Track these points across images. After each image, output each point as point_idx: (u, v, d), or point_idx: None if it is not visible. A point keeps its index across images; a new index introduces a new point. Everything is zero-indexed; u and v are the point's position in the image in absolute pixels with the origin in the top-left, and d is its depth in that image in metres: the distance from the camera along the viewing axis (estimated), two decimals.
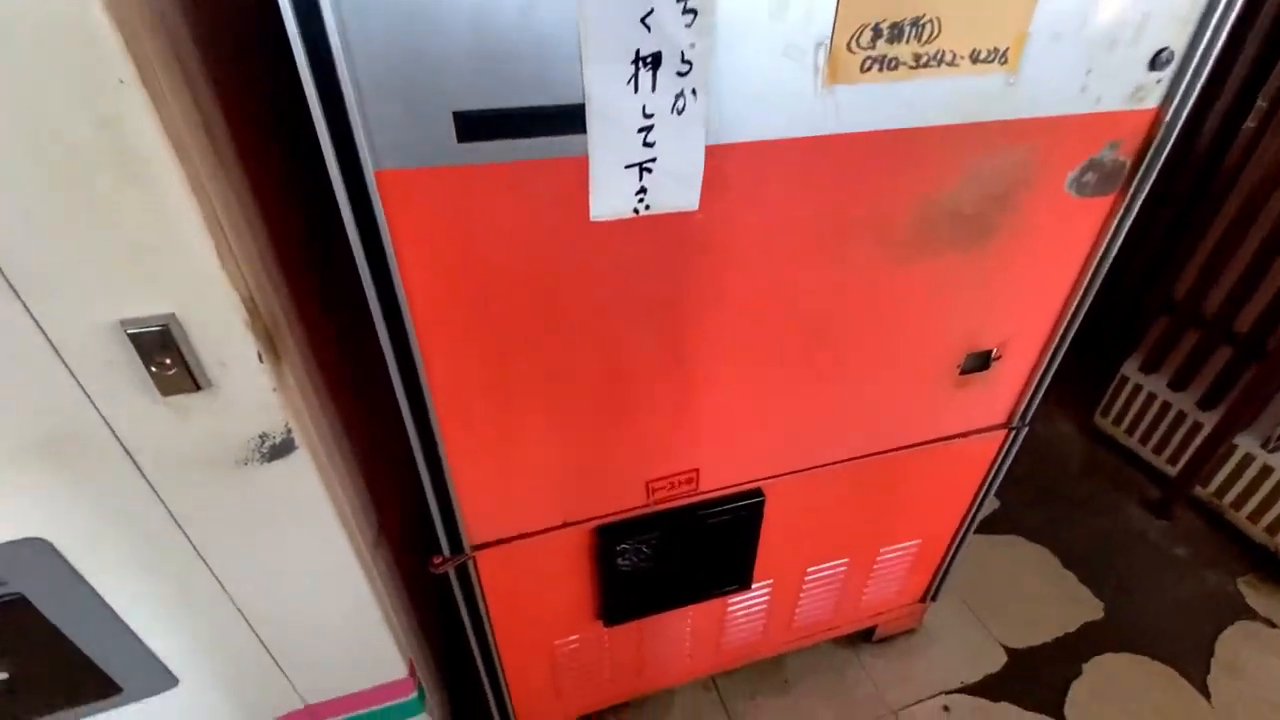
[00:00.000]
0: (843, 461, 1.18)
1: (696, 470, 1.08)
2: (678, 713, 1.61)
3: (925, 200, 0.88)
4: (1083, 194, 0.98)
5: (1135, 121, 0.92)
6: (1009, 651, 1.74)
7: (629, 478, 1.05)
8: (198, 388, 0.69)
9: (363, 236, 0.67)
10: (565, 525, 1.06)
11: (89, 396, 0.67)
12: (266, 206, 0.77)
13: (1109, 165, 0.95)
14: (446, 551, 1.00)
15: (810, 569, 1.40)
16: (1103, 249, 1.05)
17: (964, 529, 1.48)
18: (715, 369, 0.96)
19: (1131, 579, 1.93)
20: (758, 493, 1.15)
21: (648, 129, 0.69)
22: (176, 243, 0.61)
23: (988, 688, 1.66)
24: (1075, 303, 1.11)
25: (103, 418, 0.69)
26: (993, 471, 1.36)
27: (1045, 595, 1.88)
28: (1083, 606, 1.86)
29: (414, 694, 1.19)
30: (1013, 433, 1.29)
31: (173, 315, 0.64)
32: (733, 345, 0.94)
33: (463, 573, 1.04)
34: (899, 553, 1.47)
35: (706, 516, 1.13)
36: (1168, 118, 0.92)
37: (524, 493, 1.00)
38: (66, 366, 0.65)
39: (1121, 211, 1.00)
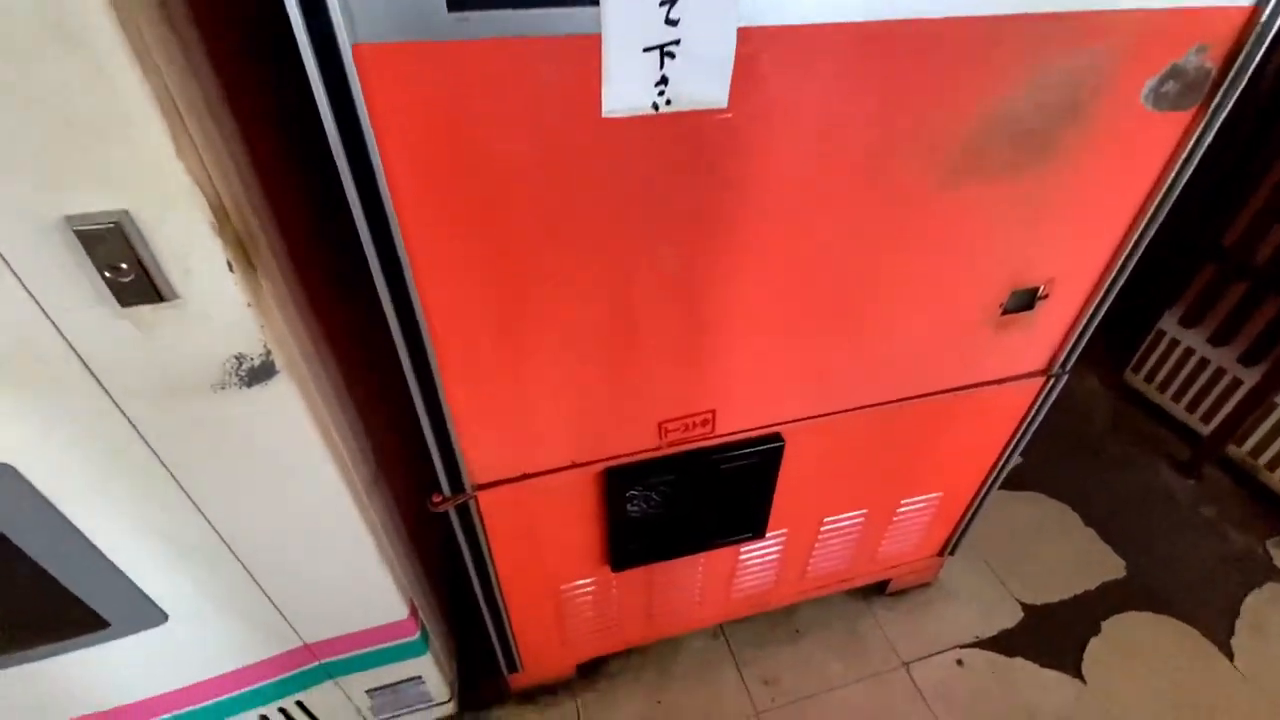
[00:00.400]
0: (869, 406, 1.11)
1: (713, 411, 1.01)
2: (685, 660, 1.58)
3: (985, 106, 0.77)
4: (1159, 107, 0.86)
5: (1228, 20, 0.80)
6: (1026, 608, 1.70)
7: (641, 418, 0.98)
8: (161, 299, 0.61)
9: (340, 125, 0.58)
10: (573, 466, 1.00)
11: (41, 306, 0.60)
12: (236, 91, 0.68)
13: (1193, 73, 0.84)
14: (446, 490, 0.94)
15: (827, 519, 1.34)
16: (1172, 175, 0.94)
17: (989, 483, 1.41)
18: (738, 300, 0.87)
19: (1155, 538, 1.87)
20: (777, 437, 1.08)
21: (670, 3, 0.59)
22: (122, 124, 0.52)
23: (1002, 643, 1.62)
24: (1134, 238, 1.01)
25: (59, 331, 0.62)
26: (1026, 422, 1.28)
27: (1065, 552, 1.83)
28: (1104, 564, 1.80)
29: (416, 635, 1.16)
30: (1051, 380, 1.20)
31: (125, 213, 0.57)
32: (758, 273, 0.85)
33: (464, 513, 0.99)
34: (919, 505, 1.40)
35: (721, 461, 1.06)
36: (1264, 17, 0.80)
37: (529, 431, 0.93)
38: (12, 270, 0.58)
39: (1199, 130, 0.89)
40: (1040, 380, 1.20)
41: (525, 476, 0.98)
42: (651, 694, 1.53)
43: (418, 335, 0.77)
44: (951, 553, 1.62)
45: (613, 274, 0.79)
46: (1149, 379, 2.21)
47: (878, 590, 1.71)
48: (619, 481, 1.03)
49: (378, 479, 1.01)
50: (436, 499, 0.94)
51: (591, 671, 1.55)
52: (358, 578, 1.00)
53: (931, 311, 1.00)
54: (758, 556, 1.35)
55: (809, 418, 1.08)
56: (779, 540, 1.33)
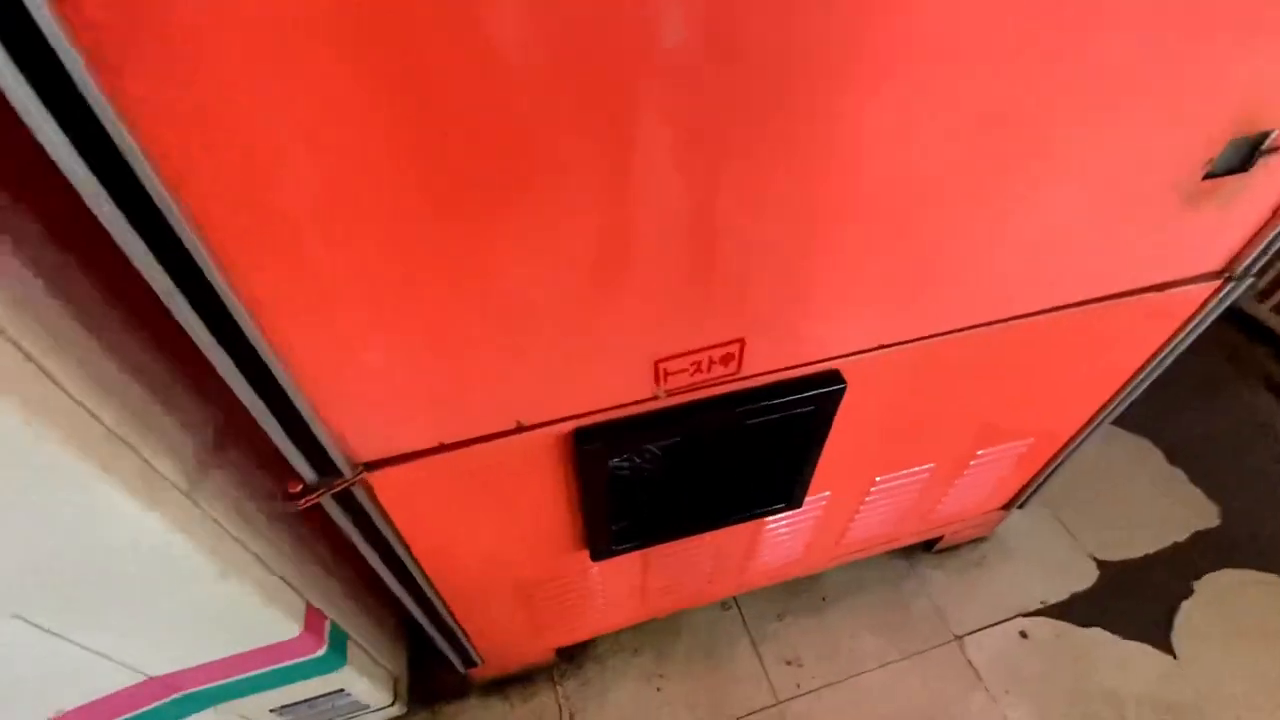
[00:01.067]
0: (968, 329, 0.73)
1: (740, 342, 0.63)
2: (688, 637, 1.30)
3: None
4: None
5: None
6: (1102, 565, 1.40)
7: (627, 354, 0.61)
8: None
9: None
10: (519, 430, 0.64)
11: None
12: None
13: None
14: (308, 476, 0.58)
15: (881, 477, 1.00)
16: None
17: (1094, 424, 1.07)
18: (794, 150, 0.48)
19: (1255, 479, 1.55)
20: (834, 377, 0.71)
21: None
22: None
23: (1075, 609, 1.33)
24: None
25: None
26: (1172, 344, 0.91)
27: (1147, 498, 1.52)
28: (1194, 512, 1.49)
29: (321, 651, 0.84)
30: (1229, 285, 0.82)
31: None
32: (834, 93, 0.45)
33: (348, 502, 0.63)
34: (1001, 454, 1.06)
35: (750, 413, 0.70)
36: None
37: (442, 381, 0.56)
38: None
39: None
40: (1213, 285, 0.82)
41: (444, 448, 0.62)
42: (649, 679, 1.25)
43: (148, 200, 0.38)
44: (1021, 506, 1.30)
45: (585, 90, 0.39)
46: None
47: (923, 546, 1.41)
48: (594, 448, 0.67)
49: (209, 460, 0.64)
50: (293, 488, 0.58)
51: (576, 653, 1.27)
52: (193, 598, 0.66)
53: (1104, 171, 0.60)
54: (787, 527, 1.02)
55: (881, 347, 0.71)
56: (817, 507, 1.00)
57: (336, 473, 0.59)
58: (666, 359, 0.61)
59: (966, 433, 0.97)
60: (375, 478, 0.62)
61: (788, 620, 1.32)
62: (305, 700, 0.94)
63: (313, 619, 0.82)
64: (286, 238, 0.43)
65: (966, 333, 0.73)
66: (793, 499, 0.88)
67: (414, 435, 0.60)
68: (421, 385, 0.56)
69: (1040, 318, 0.74)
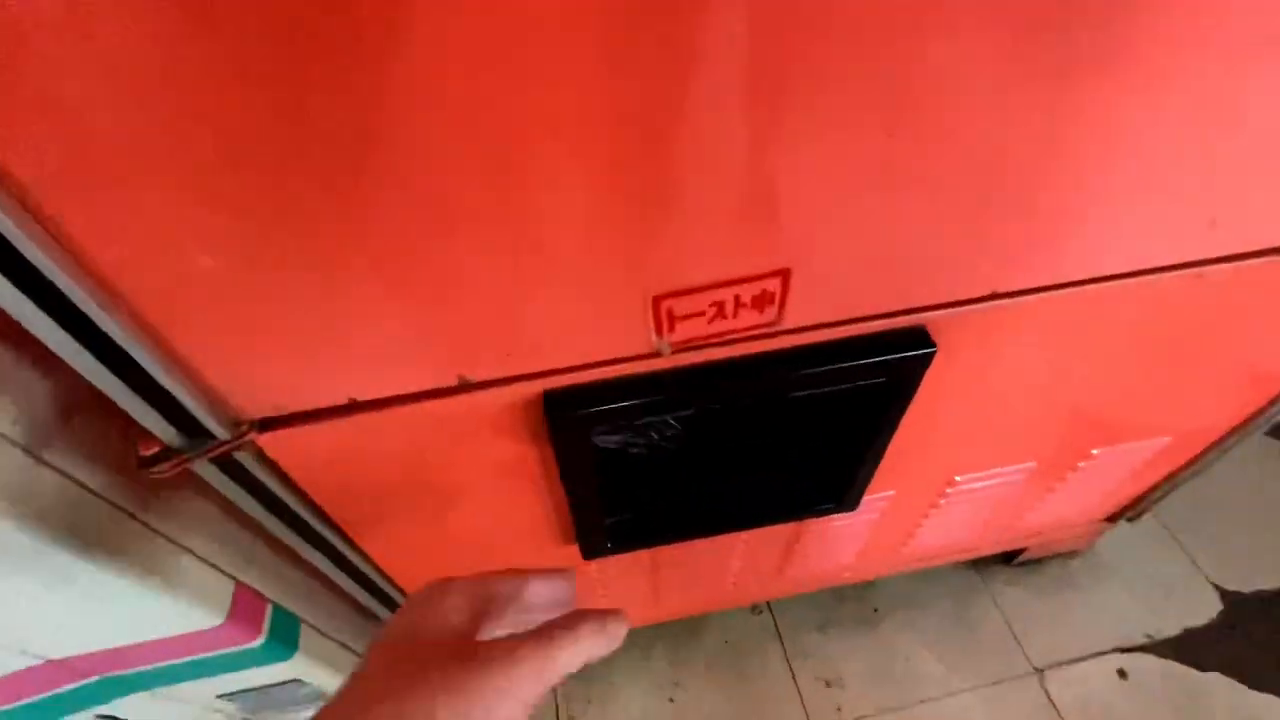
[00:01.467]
0: (1136, 275, 0.51)
1: (781, 275, 0.43)
2: (710, 643, 1.12)
3: None
4: None
5: None
6: (1226, 596, 1.14)
7: (609, 283, 0.41)
8: None
9: None
10: (464, 388, 0.46)
11: None
12: None
13: None
14: (170, 438, 0.42)
15: (961, 477, 0.78)
16: None
17: (1254, 424, 0.81)
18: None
19: None
20: (919, 338, 0.50)
21: None
22: None
23: (1190, 647, 1.09)
24: None
25: None
26: None
27: None
28: None
29: (257, 641, 0.70)
30: None
31: None
32: None
33: (235, 469, 0.47)
34: (1123, 455, 0.83)
35: (795, 381, 0.50)
36: None
37: (337, 309, 0.39)
38: None
39: None
40: None
41: (358, 406, 0.45)
42: (660, 687, 1.08)
43: None
44: (1132, 519, 1.05)
45: None
46: None
47: (1000, 556, 1.18)
48: (569, 417, 0.48)
49: (79, 407, 0.50)
50: (145, 451, 0.42)
51: None
52: (64, 576, 0.52)
53: None
54: (836, 531, 0.82)
55: (994, 297, 0.50)
56: (876, 509, 0.79)
57: (207, 436, 0.43)
58: (671, 295, 0.42)
59: (1085, 424, 0.74)
60: (268, 440, 0.45)
61: (830, 632, 1.13)
62: (255, 688, 0.82)
63: (245, 604, 0.68)
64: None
65: (1126, 281, 0.51)
66: (846, 500, 0.68)
67: (314, 388, 0.43)
68: (308, 316, 0.38)
69: (1245, 264, 0.51)
